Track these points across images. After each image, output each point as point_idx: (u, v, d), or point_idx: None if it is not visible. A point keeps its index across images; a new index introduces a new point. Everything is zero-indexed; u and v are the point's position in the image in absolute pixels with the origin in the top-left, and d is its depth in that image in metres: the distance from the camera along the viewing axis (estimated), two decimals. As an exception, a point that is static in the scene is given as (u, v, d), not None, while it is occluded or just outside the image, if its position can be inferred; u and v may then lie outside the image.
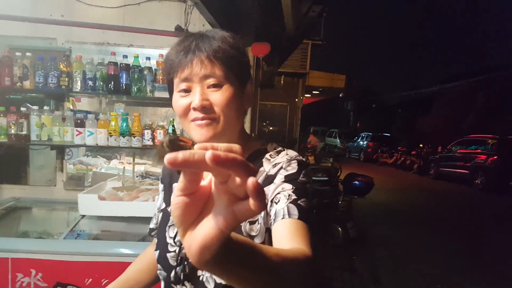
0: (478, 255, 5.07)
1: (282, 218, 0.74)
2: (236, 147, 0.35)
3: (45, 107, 2.27)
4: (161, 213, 0.98)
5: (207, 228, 0.36)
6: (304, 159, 0.85)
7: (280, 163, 0.84)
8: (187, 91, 0.81)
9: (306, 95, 17.64)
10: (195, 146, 0.34)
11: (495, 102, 16.56)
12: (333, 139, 23.76)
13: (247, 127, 2.48)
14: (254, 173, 0.34)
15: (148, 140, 2.26)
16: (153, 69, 2.31)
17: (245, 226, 0.81)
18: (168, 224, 0.92)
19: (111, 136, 2.21)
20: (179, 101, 0.82)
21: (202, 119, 0.79)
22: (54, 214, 2.44)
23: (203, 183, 0.38)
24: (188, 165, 0.32)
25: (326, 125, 26.71)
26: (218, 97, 0.79)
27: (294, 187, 0.79)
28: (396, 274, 4.21)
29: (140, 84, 2.27)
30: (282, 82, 13.25)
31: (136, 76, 2.26)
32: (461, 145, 12.67)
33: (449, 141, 13.71)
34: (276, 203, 0.78)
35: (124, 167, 2.50)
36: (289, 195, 0.77)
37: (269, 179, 0.83)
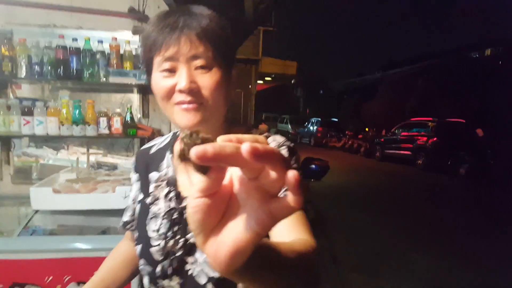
0: (424, 231, 5.40)
1: None
2: (261, 138, 0.32)
3: (-14, 96, 2.07)
4: (139, 205, 0.92)
5: (238, 231, 0.32)
6: (293, 145, 0.82)
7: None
8: (171, 71, 0.74)
9: (259, 82, 17.71)
10: (218, 139, 0.31)
11: (434, 87, 17.61)
12: (285, 125, 24.16)
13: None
14: (290, 165, 0.31)
15: (104, 128, 2.14)
16: (106, 53, 2.18)
17: None
18: (149, 217, 0.87)
19: (63, 125, 2.06)
20: (161, 81, 0.76)
21: (189, 102, 0.74)
22: (2, 210, 2.25)
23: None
24: (219, 160, 0.28)
25: (278, 112, 27.05)
26: (207, 80, 0.74)
27: None
28: (353, 253, 4.38)
29: (92, 69, 2.14)
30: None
31: (88, 60, 2.12)
32: (404, 128, 13.38)
33: (392, 125, 14.44)
34: None
35: (77, 158, 2.36)
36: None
37: None
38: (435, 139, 11.51)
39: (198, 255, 0.78)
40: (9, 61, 2.01)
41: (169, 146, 0.93)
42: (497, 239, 5.19)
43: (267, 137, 0.84)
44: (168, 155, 0.91)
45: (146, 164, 0.94)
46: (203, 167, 0.31)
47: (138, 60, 2.23)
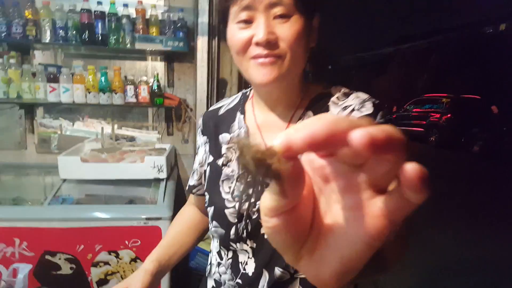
0: (441, 208, 5.37)
1: None
2: (364, 121, 0.22)
3: (11, 61, 2.00)
4: (208, 168, 0.88)
5: (343, 246, 0.25)
6: (378, 102, 0.75)
7: (351, 105, 0.73)
8: (248, 22, 0.68)
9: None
10: (294, 128, 0.22)
11: (447, 62, 17.22)
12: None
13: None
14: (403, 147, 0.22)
15: (132, 97, 2.08)
16: (132, 18, 2.09)
17: None
18: (221, 179, 0.82)
19: (89, 92, 2.00)
20: (238, 34, 0.69)
21: (266, 56, 0.67)
22: (28, 179, 2.22)
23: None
24: (319, 147, 0.21)
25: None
26: (287, 30, 0.67)
27: None
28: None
29: (117, 35, 2.05)
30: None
31: (113, 25, 2.04)
32: (416, 105, 13.15)
33: (404, 101, 14.20)
34: None
35: (102, 128, 2.30)
36: None
37: None
38: (448, 115, 11.32)
39: None
40: (33, 25, 1.93)
41: (239, 106, 0.88)
42: (506, 216, 5.14)
43: (347, 94, 0.77)
44: (239, 116, 0.85)
45: (216, 126, 0.88)
46: (275, 172, 0.22)
47: (164, 25, 2.14)
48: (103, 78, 2.00)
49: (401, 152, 0.21)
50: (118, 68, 2.05)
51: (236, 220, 0.77)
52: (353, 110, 0.72)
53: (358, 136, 0.20)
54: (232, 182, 0.80)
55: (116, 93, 2.03)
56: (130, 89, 2.05)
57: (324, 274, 0.26)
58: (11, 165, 2.22)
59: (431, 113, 12.10)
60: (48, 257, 1.59)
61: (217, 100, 2.46)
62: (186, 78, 2.35)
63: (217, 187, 0.82)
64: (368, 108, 0.72)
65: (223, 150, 0.84)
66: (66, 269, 1.62)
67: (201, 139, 0.93)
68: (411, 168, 0.21)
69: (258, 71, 0.69)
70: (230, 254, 0.81)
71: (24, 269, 1.31)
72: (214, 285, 0.88)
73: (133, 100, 2.07)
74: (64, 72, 1.97)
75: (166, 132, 2.41)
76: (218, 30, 2.17)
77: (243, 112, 0.85)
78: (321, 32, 0.77)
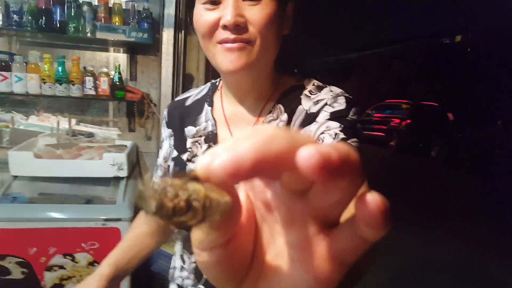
0: (397, 210, 5.51)
1: None
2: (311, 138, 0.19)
3: (-44, 45, 1.83)
4: (172, 163, 0.83)
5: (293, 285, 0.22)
6: (352, 97, 0.72)
7: (323, 99, 0.70)
8: (216, 3, 0.63)
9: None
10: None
11: (408, 70, 17.91)
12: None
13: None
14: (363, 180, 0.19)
15: (91, 89, 1.95)
16: (93, 5, 1.97)
17: None
18: None
19: (44, 83, 1.86)
20: (204, 15, 0.64)
21: (234, 41, 0.62)
22: (-26, 176, 2.04)
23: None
24: (258, 172, 0.17)
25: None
26: (257, 13, 0.62)
27: (342, 126, 0.65)
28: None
29: (77, 23, 1.93)
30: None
31: (73, 12, 1.91)
32: (378, 110, 13.54)
33: (366, 107, 14.58)
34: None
35: (58, 121, 2.16)
36: (335, 134, 0.64)
37: (310, 118, 0.70)
38: (408, 121, 11.72)
39: None
40: (-18, 8, 1.78)
41: (207, 97, 0.83)
42: (462, 218, 5.36)
43: (320, 88, 0.74)
44: (206, 108, 0.81)
45: (181, 118, 0.83)
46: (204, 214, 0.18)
47: (128, 15, 2.04)
48: (60, 68, 1.87)
49: (356, 178, 0.18)
50: (76, 58, 1.93)
51: None
52: (325, 104, 0.69)
53: (306, 156, 0.16)
54: None
55: (73, 85, 1.90)
56: (89, 80, 1.92)
57: None
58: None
59: (391, 118, 12.49)
60: (-5, 260, 1.46)
61: (183, 96, 2.40)
62: (150, 72, 2.25)
63: None
64: (341, 104, 0.68)
65: (188, 144, 0.79)
66: (17, 273, 1.50)
67: (165, 132, 0.87)
68: (371, 199, 0.17)
69: (225, 57, 0.64)
70: (194, 258, 0.76)
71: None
72: None
73: (92, 92, 1.95)
74: (17, 60, 1.82)
75: (127, 128, 2.30)
76: (185, 23, 2.09)
77: (211, 104, 0.81)
78: (297, 21, 0.73)
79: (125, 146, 2.03)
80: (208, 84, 0.87)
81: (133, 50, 2.21)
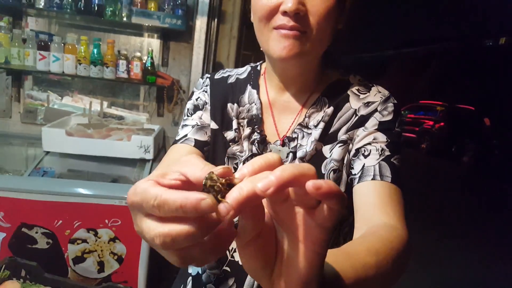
0: (422, 213, 5.39)
1: (372, 179, 0.63)
2: (307, 167, 0.28)
3: (1, 23, 1.91)
4: (210, 135, 0.79)
5: (298, 263, 0.30)
6: (397, 102, 0.72)
7: (374, 102, 0.71)
8: None
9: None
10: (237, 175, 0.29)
11: (446, 71, 17.29)
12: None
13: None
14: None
15: (123, 72, 2.01)
16: (131, -10, 2.02)
17: (328, 175, 0.70)
18: (227, 155, 0.76)
19: (80, 64, 1.93)
20: None
21: (291, 28, 0.61)
22: (10, 149, 2.15)
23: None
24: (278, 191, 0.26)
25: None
26: (318, 5, 0.61)
27: (388, 140, 0.67)
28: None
29: (115, 7, 1.98)
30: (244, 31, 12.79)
31: (111, -4, 1.96)
32: (411, 110, 13.18)
33: (401, 106, 14.21)
34: (365, 156, 0.66)
35: (91, 102, 2.23)
36: (382, 149, 0.66)
37: (359, 121, 0.71)
38: (442, 124, 11.36)
39: None
40: (26, -13, 1.85)
41: (250, 79, 0.81)
42: (488, 227, 5.18)
43: (367, 86, 0.74)
44: (250, 89, 0.79)
45: (225, 93, 0.80)
46: None
47: (163, 2, 2.07)
48: (95, 50, 1.94)
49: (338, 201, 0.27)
50: (112, 41, 1.98)
51: None
52: (375, 110, 0.71)
53: (311, 186, 0.26)
54: (237, 163, 0.75)
55: (107, 67, 1.96)
56: (122, 64, 1.98)
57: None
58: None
59: (424, 120, 12.14)
60: (24, 229, 1.53)
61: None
62: (182, 59, 2.29)
63: (222, 163, 0.75)
64: (389, 112, 0.70)
65: (234, 125, 0.77)
66: (42, 243, 1.57)
67: (204, 97, 0.82)
68: (316, 185, 0.26)
69: (279, 43, 0.63)
70: None
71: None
72: (200, 272, 0.81)
73: (125, 75, 2.00)
74: (56, 41, 1.90)
75: (156, 112, 2.35)
76: (218, 12, 2.11)
77: (255, 87, 0.79)
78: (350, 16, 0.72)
79: (153, 130, 2.08)
80: (248, 67, 0.85)
81: (166, 36, 2.25)
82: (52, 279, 1.20)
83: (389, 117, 0.69)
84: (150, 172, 1.85)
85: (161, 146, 2.28)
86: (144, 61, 2.08)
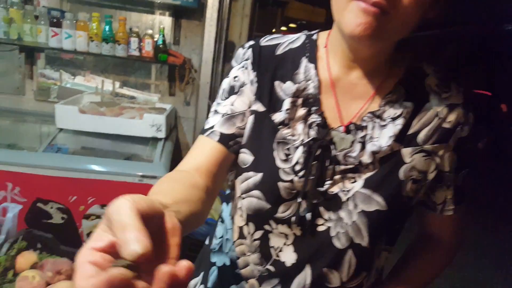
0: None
1: (451, 213, 0.70)
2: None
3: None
4: (253, 117, 0.67)
5: None
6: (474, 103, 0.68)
7: (458, 106, 0.64)
8: None
9: (282, 28, 17.06)
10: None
11: (463, 54, 16.87)
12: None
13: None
14: None
15: (135, 50, 2.00)
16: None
17: (407, 184, 0.63)
18: (276, 140, 0.65)
19: (92, 41, 1.93)
20: None
21: (374, 4, 0.51)
22: (24, 126, 2.17)
23: None
24: None
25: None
26: None
27: (467, 162, 0.68)
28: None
29: (126, -17, 1.96)
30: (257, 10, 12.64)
31: (122, -28, 1.94)
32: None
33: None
34: (447, 187, 0.68)
35: (102, 81, 2.24)
36: (463, 177, 0.68)
37: (443, 133, 0.63)
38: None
39: (343, 213, 0.63)
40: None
41: (305, 51, 0.68)
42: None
43: (446, 80, 0.68)
44: (307, 64, 0.66)
45: (273, 67, 0.67)
46: None
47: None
48: (107, 27, 1.93)
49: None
50: (123, 18, 1.97)
51: (289, 197, 0.64)
52: (459, 123, 0.64)
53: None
54: (289, 149, 0.64)
55: (119, 44, 1.95)
56: (134, 41, 1.97)
57: None
58: (7, 110, 2.17)
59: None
60: (40, 204, 1.56)
61: (223, 63, 2.40)
62: (193, 37, 2.26)
63: (269, 149, 0.65)
64: (470, 124, 0.66)
65: (286, 105, 0.64)
66: (57, 218, 1.59)
67: (248, 75, 0.68)
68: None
69: (356, 18, 0.52)
70: (259, 234, 0.68)
71: (14, 209, 1.27)
72: (227, 264, 0.75)
73: (136, 53, 1.99)
74: (68, 17, 1.89)
75: (168, 92, 2.35)
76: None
77: (313, 61, 0.66)
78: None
79: (165, 109, 2.08)
80: (301, 34, 0.71)
81: (178, 14, 2.23)
82: (68, 251, 1.22)
83: (469, 132, 0.65)
84: (162, 151, 1.85)
85: (173, 126, 2.28)
86: (155, 39, 2.06)
